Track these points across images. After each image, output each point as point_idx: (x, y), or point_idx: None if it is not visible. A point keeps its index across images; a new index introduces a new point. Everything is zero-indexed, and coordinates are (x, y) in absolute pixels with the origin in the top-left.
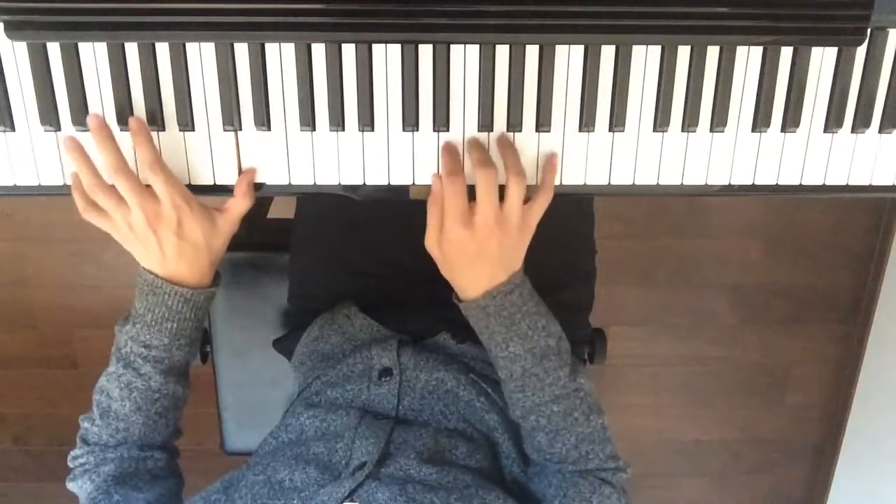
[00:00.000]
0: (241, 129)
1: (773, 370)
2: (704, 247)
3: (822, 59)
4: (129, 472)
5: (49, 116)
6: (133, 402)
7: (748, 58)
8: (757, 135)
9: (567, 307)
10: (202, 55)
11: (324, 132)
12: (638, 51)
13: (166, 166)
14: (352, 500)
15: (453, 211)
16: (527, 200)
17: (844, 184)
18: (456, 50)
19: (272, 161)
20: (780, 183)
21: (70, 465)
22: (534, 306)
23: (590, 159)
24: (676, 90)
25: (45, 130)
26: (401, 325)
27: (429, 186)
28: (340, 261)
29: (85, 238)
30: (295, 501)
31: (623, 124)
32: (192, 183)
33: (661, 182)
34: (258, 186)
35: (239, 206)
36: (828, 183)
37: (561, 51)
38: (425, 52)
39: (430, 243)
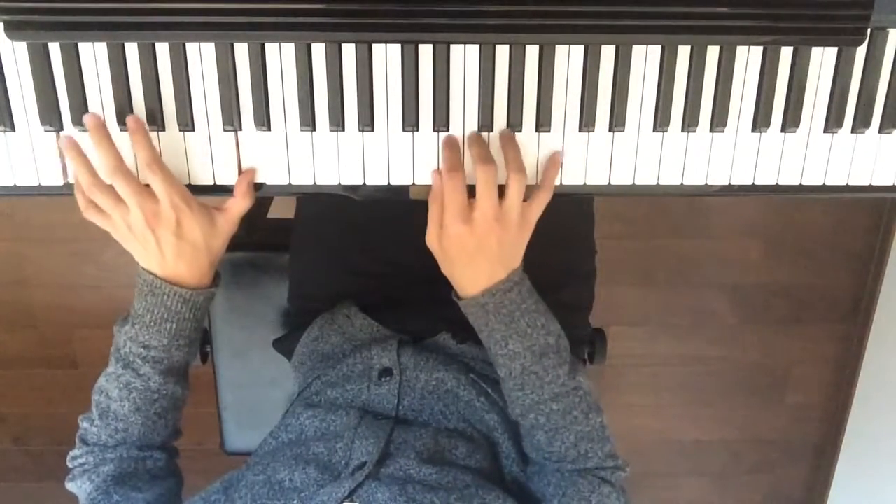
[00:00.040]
0: (241, 129)
1: (773, 370)
2: (704, 247)
3: (822, 59)
4: (128, 472)
5: (49, 116)
6: (132, 403)
7: (748, 58)
8: (757, 135)
9: (567, 307)
10: (202, 55)
11: (324, 132)
12: (638, 51)
13: (165, 166)
14: (352, 500)
15: (453, 207)
16: (527, 198)
17: (844, 184)
18: (456, 50)
19: (272, 161)
20: (780, 183)
21: (69, 465)
22: (533, 304)
23: (590, 159)
24: (676, 90)
25: (45, 130)
26: (401, 325)
27: (429, 186)
28: (340, 261)
29: (85, 238)
30: (295, 501)
31: (623, 124)
32: (192, 183)
33: (661, 182)
34: (258, 186)
35: (239, 205)
36: (828, 183)
37: (561, 51)
38: (425, 52)
39: (431, 239)
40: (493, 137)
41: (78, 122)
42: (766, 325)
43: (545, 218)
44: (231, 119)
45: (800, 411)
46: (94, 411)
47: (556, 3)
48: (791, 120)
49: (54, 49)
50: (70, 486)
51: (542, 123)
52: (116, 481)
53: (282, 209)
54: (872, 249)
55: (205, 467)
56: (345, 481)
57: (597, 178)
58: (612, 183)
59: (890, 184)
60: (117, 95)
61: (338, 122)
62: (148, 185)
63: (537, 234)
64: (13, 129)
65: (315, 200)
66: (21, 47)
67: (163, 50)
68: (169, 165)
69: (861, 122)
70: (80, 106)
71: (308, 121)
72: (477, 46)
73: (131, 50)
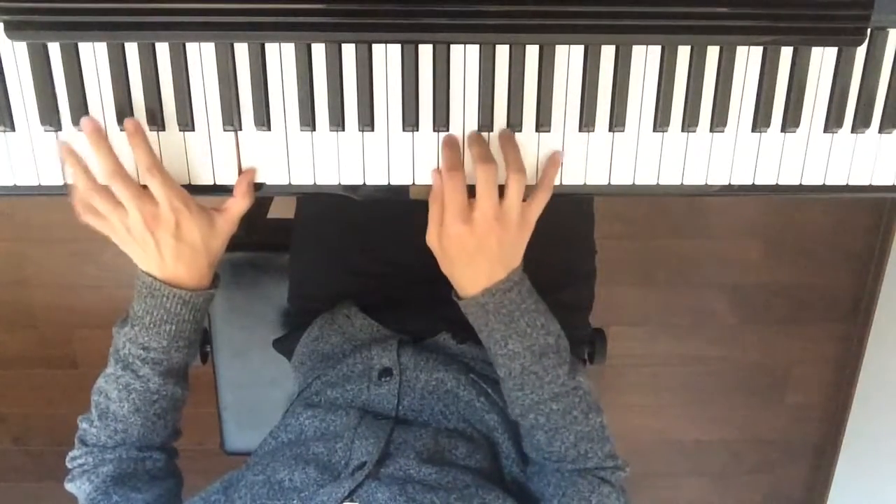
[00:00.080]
0: (241, 129)
1: (773, 370)
2: (704, 247)
3: (822, 59)
4: (127, 472)
5: (49, 116)
6: (132, 404)
7: (748, 58)
8: (757, 135)
9: (567, 307)
10: (202, 55)
11: (324, 132)
12: (638, 51)
13: (164, 169)
14: (351, 500)
15: (453, 206)
16: (526, 198)
17: (844, 184)
18: (456, 50)
19: (272, 161)
20: (780, 183)
21: (68, 466)
22: (533, 304)
23: (590, 159)
24: (676, 90)
25: (45, 130)
26: (401, 325)
27: (429, 186)
28: (340, 261)
29: (85, 238)
30: (294, 501)
31: (623, 124)
32: (192, 183)
33: (661, 182)
34: (258, 186)
35: (238, 206)
36: (828, 183)
37: (561, 51)
38: (425, 52)
39: (431, 239)
40: (493, 137)
41: (78, 122)
42: (766, 325)
43: (545, 218)
44: (231, 119)
45: (800, 411)
46: (93, 412)
47: (556, 3)
48: (791, 120)
49: (54, 49)
50: (69, 486)
51: (542, 123)
52: (116, 482)
53: (282, 209)
54: (872, 249)
55: (205, 467)
56: (345, 481)
57: (597, 178)
58: (612, 183)
59: (890, 184)
60: (117, 95)
61: (338, 122)
62: (146, 188)
63: (537, 234)
64: (13, 129)
65: (315, 200)
66: (21, 47)
67: (163, 50)
68: (169, 165)
69: (861, 122)
70: (79, 106)
71: (308, 121)
72: (477, 46)
73: (131, 50)
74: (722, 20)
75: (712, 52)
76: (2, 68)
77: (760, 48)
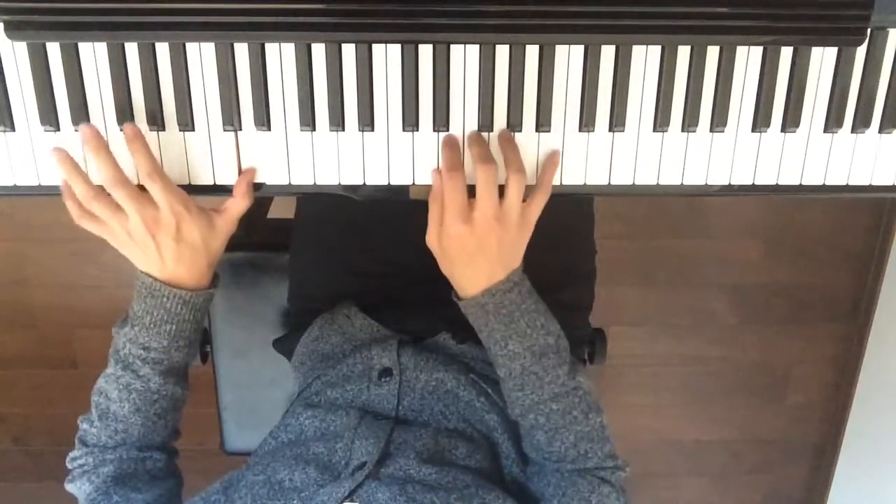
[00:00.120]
0: (241, 129)
1: (773, 370)
2: (704, 247)
3: (822, 59)
4: (128, 472)
5: (49, 116)
6: (132, 404)
7: (748, 58)
8: (757, 135)
9: (567, 307)
10: (202, 55)
11: (324, 132)
12: (638, 51)
13: (164, 173)
14: (352, 500)
15: (453, 206)
16: (526, 199)
17: (844, 184)
18: (456, 50)
19: (272, 161)
20: (780, 183)
21: (69, 466)
22: (532, 304)
23: (590, 159)
24: (676, 90)
25: (45, 130)
26: (401, 325)
27: (429, 186)
28: (340, 261)
29: (85, 238)
30: (295, 501)
31: (623, 124)
32: (192, 183)
33: (661, 182)
34: (258, 186)
35: (238, 206)
36: (828, 183)
37: (561, 51)
38: (425, 52)
39: (431, 239)
40: (493, 137)
41: (78, 122)
42: (766, 325)
43: (545, 218)
44: (231, 119)
45: (800, 411)
46: (93, 412)
47: (556, 3)
48: (791, 120)
49: (54, 49)
50: (69, 487)
51: (542, 123)
52: (116, 482)
53: (282, 209)
54: (872, 249)
55: (205, 467)
56: (345, 481)
57: (597, 178)
58: (612, 183)
59: (890, 184)
60: (117, 95)
61: (338, 122)
62: (145, 190)
63: (537, 235)
64: (13, 129)
65: (315, 200)
66: (21, 47)
67: (163, 50)
68: (169, 166)
69: (861, 122)
70: (79, 106)
71: (308, 121)
72: (477, 46)
73: (131, 50)
74: (722, 20)
75: (712, 52)
76: (2, 68)
77: (760, 48)
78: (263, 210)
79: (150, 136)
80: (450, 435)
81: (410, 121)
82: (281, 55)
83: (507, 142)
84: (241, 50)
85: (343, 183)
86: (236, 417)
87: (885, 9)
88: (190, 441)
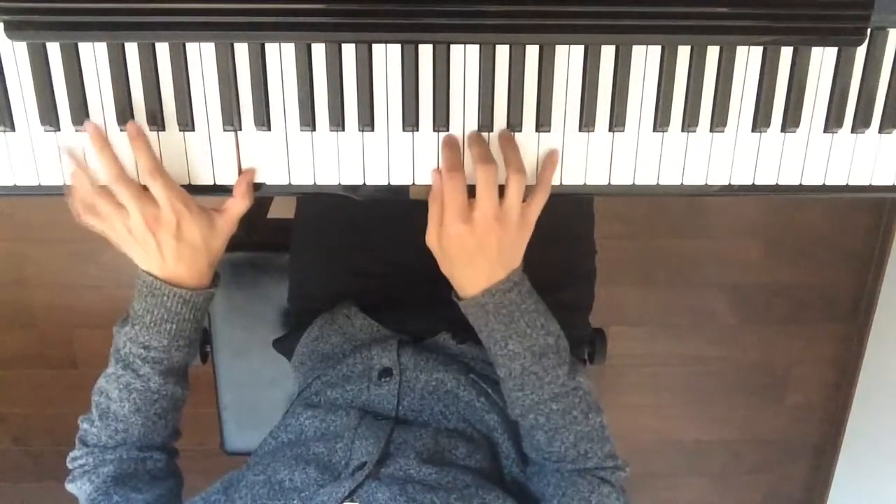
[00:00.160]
0: (241, 129)
1: (773, 370)
2: (704, 247)
3: (822, 59)
4: (128, 472)
5: (49, 116)
6: (132, 403)
7: (748, 58)
8: (757, 135)
9: (567, 307)
10: (202, 55)
11: (324, 132)
12: (638, 51)
13: (165, 172)
14: (352, 500)
15: (453, 206)
16: (525, 199)
17: (844, 184)
18: (456, 50)
19: (272, 161)
20: (780, 183)
21: (69, 466)
22: (532, 304)
23: (590, 159)
24: (676, 90)
25: (45, 130)
26: (401, 325)
27: (429, 186)
28: (340, 261)
29: (85, 238)
30: (295, 501)
31: (623, 124)
32: (192, 183)
33: (661, 182)
34: (258, 186)
35: (238, 206)
36: (828, 183)
37: (561, 51)
38: (425, 52)
39: (431, 239)
40: (493, 137)
41: (78, 122)
42: (766, 325)
43: (545, 218)
44: (231, 119)
45: (800, 411)
46: (93, 412)
47: (556, 3)
48: (791, 120)
49: (54, 49)
50: (70, 487)
51: (542, 123)
52: (116, 482)
53: (282, 209)
54: (872, 249)
55: (205, 467)
56: (345, 481)
57: (597, 178)
58: (612, 183)
59: (890, 184)
60: (117, 95)
61: (338, 122)
62: (147, 188)
63: (537, 235)
64: (13, 129)
65: (315, 200)
66: (21, 47)
67: (163, 50)
68: (169, 165)
69: (861, 122)
70: (79, 106)
71: (308, 121)
72: (477, 46)
73: (131, 50)
74: (722, 20)
75: (712, 52)
76: (2, 68)
77: (760, 48)
78: (263, 210)
79: (150, 137)
80: (450, 435)
81: (410, 121)
82: (281, 55)
83: (507, 142)
84: (241, 50)
85: (343, 183)
86: (236, 417)
87: (885, 9)
88: (190, 441)
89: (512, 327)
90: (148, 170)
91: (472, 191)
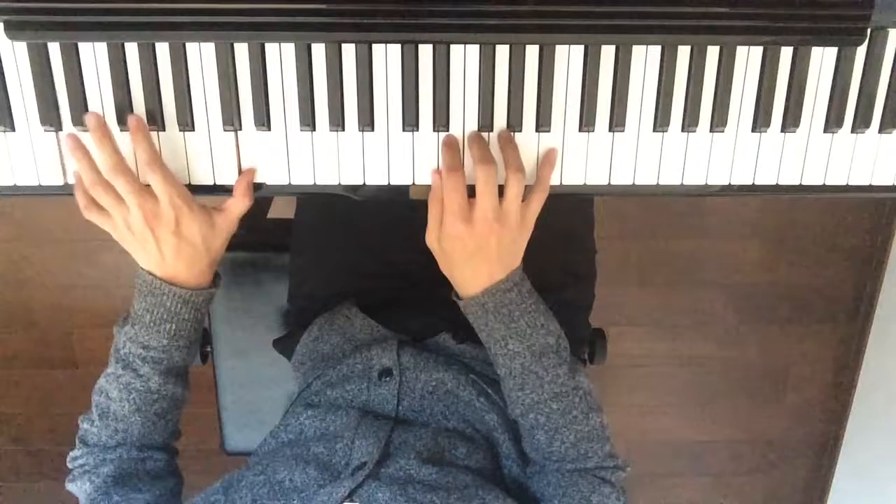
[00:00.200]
0: (241, 129)
1: (773, 370)
2: (704, 247)
3: (822, 59)
4: (128, 472)
5: (49, 116)
6: (132, 403)
7: (748, 58)
8: (757, 135)
9: (567, 307)
10: (202, 55)
11: (324, 132)
12: (638, 51)
13: (165, 165)
14: (352, 500)
15: (452, 206)
16: (525, 199)
17: (844, 184)
18: (456, 50)
19: (272, 161)
20: (780, 183)
21: (69, 466)
22: (533, 304)
23: (590, 159)
24: (676, 90)
25: (45, 130)
26: (401, 325)
27: (429, 186)
28: (340, 261)
29: (85, 238)
30: (295, 501)
31: (623, 124)
32: (192, 183)
33: (661, 182)
34: (258, 186)
35: (238, 206)
36: (828, 183)
37: (561, 51)
38: (425, 52)
39: (431, 239)
40: (493, 137)
41: (78, 122)
42: (766, 325)
43: (545, 218)
44: (231, 119)
45: (800, 411)
46: (93, 412)
47: (556, 3)
48: (791, 120)
49: (54, 49)
50: (70, 486)
51: (542, 123)
52: (116, 482)
53: (282, 209)
54: (872, 249)
55: (205, 467)
56: (345, 481)
57: (597, 178)
58: (612, 183)
59: (890, 184)
60: (117, 95)
61: (338, 122)
62: (148, 185)
63: (537, 235)
64: (13, 129)
65: (315, 200)
66: (21, 47)
67: (163, 50)
68: (169, 165)
69: (861, 122)
70: (80, 106)
71: (308, 121)
72: (477, 46)
73: (131, 50)
74: (722, 20)
75: (712, 52)
76: (2, 68)
77: (760, 48)
78: (263, 210)
79: (151, 136)
80: (450, 435)
81: (410, 121)
82: (281, 55)
83: (507, 142)
84: (241, 50)
85: (343, 183)
86: (236, 417)
87: (885, 9)
88: (190, 441)
89: (512, 327)
90: (147, 162)
91: (471, 191)
